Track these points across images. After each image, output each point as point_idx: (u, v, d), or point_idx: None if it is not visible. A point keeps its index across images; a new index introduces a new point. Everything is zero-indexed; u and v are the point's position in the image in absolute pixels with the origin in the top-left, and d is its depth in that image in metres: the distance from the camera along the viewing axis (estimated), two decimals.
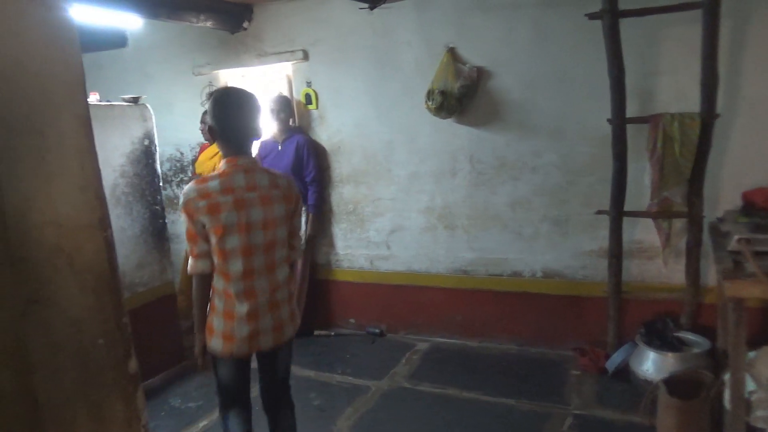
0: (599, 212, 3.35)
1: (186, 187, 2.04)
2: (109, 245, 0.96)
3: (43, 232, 0.84)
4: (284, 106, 4.17)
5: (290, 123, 4.26)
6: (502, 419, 3.06)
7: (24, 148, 0.82)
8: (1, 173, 0.74)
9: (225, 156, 2.09)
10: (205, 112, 3.90)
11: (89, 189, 0.93)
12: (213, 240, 2.00)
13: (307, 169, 4.18)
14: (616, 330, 3.51)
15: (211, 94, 2.28)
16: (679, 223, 3.18)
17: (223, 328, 2.07)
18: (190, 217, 1.99)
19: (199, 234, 2.01)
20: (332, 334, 4.44)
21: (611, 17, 2.97)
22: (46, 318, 0.84)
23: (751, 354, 2.66)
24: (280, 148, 4.20)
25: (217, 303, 2.09)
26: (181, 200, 2.04)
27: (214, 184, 2.01)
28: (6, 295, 0.74)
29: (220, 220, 1.98)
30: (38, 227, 0.84)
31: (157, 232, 3.74)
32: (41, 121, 0.85)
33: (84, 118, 0.92)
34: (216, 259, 2.03)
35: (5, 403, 0.72)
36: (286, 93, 4.38)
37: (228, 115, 2.05)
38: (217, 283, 2.07)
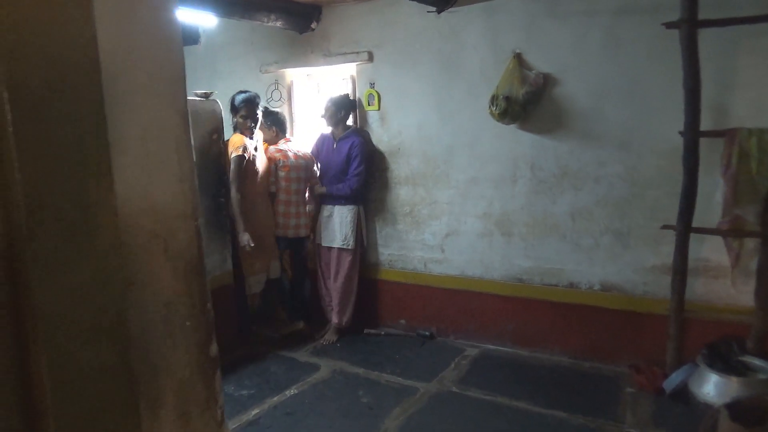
0: (665, 227, 3.25)
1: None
2: (199, 234, 1.02)
3: (142, 219, 0.90)
4: (342, 106, 4.21)
5: (349, 122, 4.31)
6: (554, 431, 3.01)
7: (130, 140, 0.88)
8: (113, 163, 0.80)
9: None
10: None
11: (185, 180, 0.98)
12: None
13: (351, 167, 4.21)
14: (676, 350, 3.40)
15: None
16: (751, 243, 3.05)
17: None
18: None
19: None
20: (382, 333, 4.48)
21: (689, 27, 2.88)
22: (141, 299, 0.90)
23: None
24: (335, 146, 4.26)
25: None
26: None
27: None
28: (110, 276, 0.80)
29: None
30: (139, 214, 0.89)
31: (220, 224, 3.87)
32: (147, 116, 0.91)
33: (183, 114, 0.98)
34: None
35: (109, 374, 0.78)
36: (349, 93, 4.44)
37: None
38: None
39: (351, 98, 4.35)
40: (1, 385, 0.72)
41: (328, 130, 4.34)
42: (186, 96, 0.99)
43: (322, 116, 4.27)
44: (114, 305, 0.81)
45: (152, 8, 0.93)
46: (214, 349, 1.05)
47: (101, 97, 0.78)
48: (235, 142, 3.82)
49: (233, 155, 3.78)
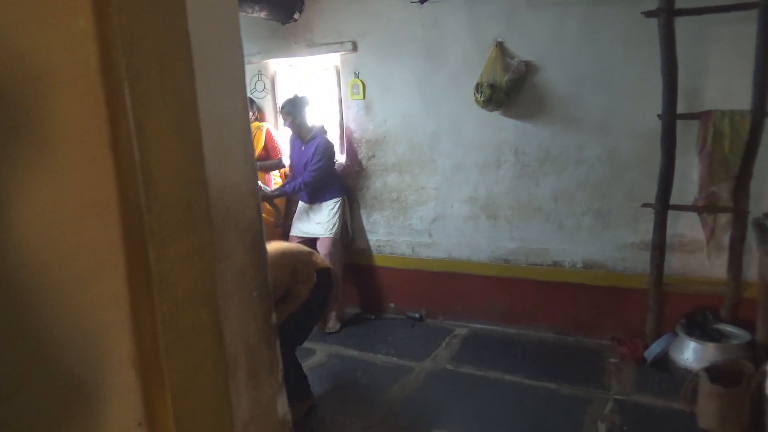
0: (645, 205, 3.44)
1: None
2: (260, 212, 1.11)
3: (220, 197, 0.99)
4: (299, 106, 4.19)
5: (308, 123, 4.26)
6: (545, 401, 3.18)
7: (211, 126, 0.97)
8: (205, 147, 0.89)
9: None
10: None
11: (249, 162, 1.07)
12: None
13: (310, 164, 4.21)
14: (656, 321, 3.61)
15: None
16: (724, 218, 3.25)
17: None
18: None
19: None
20: (372, 317, 4.59)
21: (667, 15, 3.05)
22: (222, 269, 0.99)
23: None
24: (303, 148, 4.30)
25: None
26: None
27: None
28: (204, 247, 0.89)
29: None
30: (218, 192, 0.99)
31: None
32: (221, 104, 1.00)
33: (245, 102, 1.07)
34: None
35: (206, 334, 0.87)
36: (297, 93, 4.39)
37: None
38: None
39: (302, 96, 4.28)
40: (120, 341, 0.81)
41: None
42: (245, 86, 1.08)
43: (286, 125, 4.29)
44: (208, 274, 0.90)
45: (224, 4, 1.02)
46: (273, 318, 1.15)
47: (194, 88, 0.87)
48: None
49: None
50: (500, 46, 3.82)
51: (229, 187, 1.02)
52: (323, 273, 3.02)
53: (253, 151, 1.09)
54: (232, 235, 1.04)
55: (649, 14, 3.13)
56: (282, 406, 1.24)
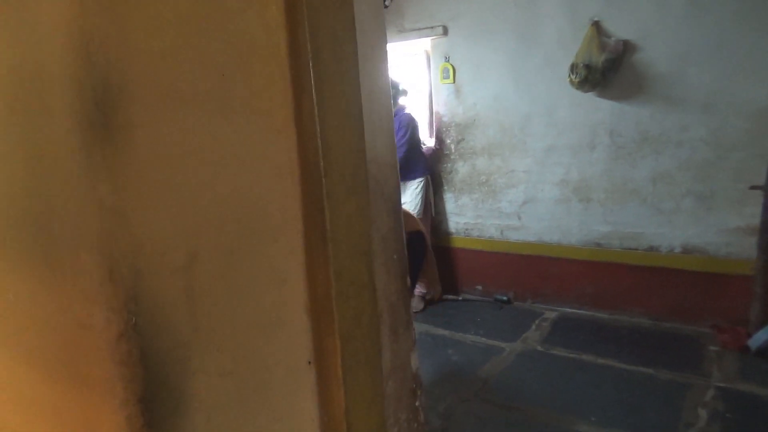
0: (753, 187, 3.30)
1: None
2: (399, 182, 1.21)
3: (371, 167, 1.10)
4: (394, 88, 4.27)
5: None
6: (642, 385, 3.14)
7: (366, 103, 1.07)
8: (365, 133, 0.99)
9: None
10: None
11: (390, 137, 1.18)
12: None
13: (397, 137, 4.30)
14: (762, 309, 3.45)
15: None
16: None
17: None
18: None
19: None
20: (460, 298, 4.67)
21: None
22: (372, 233, 1.11)
23: None
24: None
25: None
26: None
27: None
28: (364, 210, 1.00)
29: None
30: (370, 162, 1.09)
31: None
32: (372, 85, 1.10)
33: (388, 82, 1.17)
34: None
35: (365, 289, 0.98)
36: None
37: None
38: None
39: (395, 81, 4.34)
40: (297, 289, 0.94)
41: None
42: (388, 69, 1.18)
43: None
44: (365, 234, 1.01)
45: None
46: (407, 281, 1.26)
47: (358, 70, 0.97)
48: None
49: None
50: (596, 25, 3.75)
51: (377, 158, 1.13)
52: (415, 236, 3.01)
53: (393, 127, 1.19)
54: (379, 202, 1.14)
55: None
56: (415, 361, 1.35)
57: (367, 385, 1.02)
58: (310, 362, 0.98)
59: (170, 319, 0.78)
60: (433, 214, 4.69)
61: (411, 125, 4.31)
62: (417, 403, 1.32)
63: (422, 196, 4.46)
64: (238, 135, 0.84)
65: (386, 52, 1.15)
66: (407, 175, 4.41)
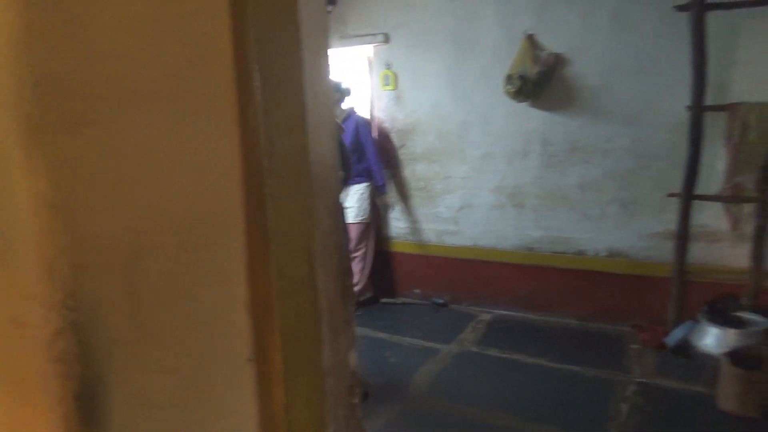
0: (671, 195, 3.53)
1: None
2: (340, 183, 1.24)
3: (314, 168, 1.13)
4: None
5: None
6: (569, 382, 3.30)
7: (310, 107, 1.10)
8: (308, 134, 1.02)
9: None
10: None
11: (332, 139, 1.21)
12: None
13: (367, 145, 4.35)
14: (677, 309, 3.70)
15: None
16: (748, 208, 3.34)
17: None
18: None
19: None
20: (398, 302, 4.74)
21: (699, 10, 3.14)
22: (315, 233, 1.13)
23: None
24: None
25: None
26: None
27: None
28: (307, 210, 1.02)
29: None
30: (312, 164, 1.12)
31: None
32: (315, 89, 1.13)
33: (330, 86, 1.20)
34: None
35: (306, 287, 1.01)
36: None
37: None
38: None
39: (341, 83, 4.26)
40: (238, 291, 0.95)
41: None
42: (330, 73, 1.21)
43: None
44: (308, 234, 1.03)
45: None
46: (349, 279, 1.29)
47: (302, 72, 1.00)
48: None
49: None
50: (530, 38, 3.91)
51: (320, 160, 1.16)
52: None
53: (335, 130, 1.22)
54: (321, 203, 1.17)
55: (680, 8, 3.21)
56: (353, 359, 1.38)
57: (307, 381, 1.05)
58: (250, 359, 1.00)
59: (110, 315, 0.78)
60: (379, 219, 4.73)
61: (358, 128, 4.35)
62: (355, 401, 1.35)
63: (369, 200, 4.45)
64: (184, 135, 0.85)
65: (328, 57, 1.18)
66: (352, 178, 4.42)
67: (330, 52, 1.22)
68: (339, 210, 1.29)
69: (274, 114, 0.94)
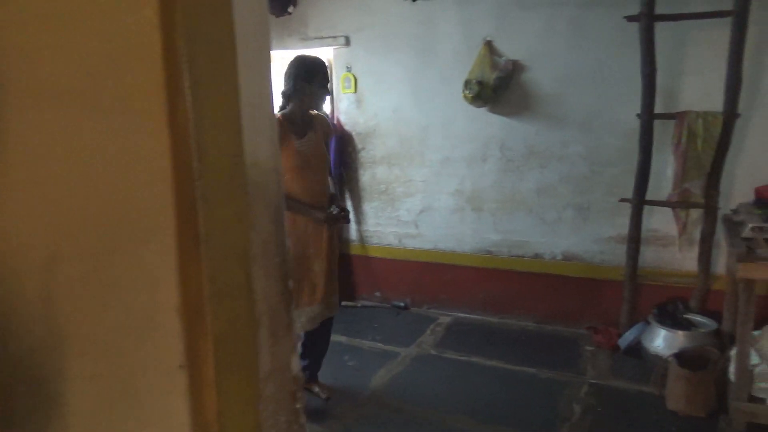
0: (622, 200, 3.62)
1: None
2: (281, 186, 1.23)
3: (252, 171, 1.11)
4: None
5: None
6: (525, 384, 3.35)
7: (246, 109, 1.09)
8: (244, 137, 1.01)
9: None
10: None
11: (274, 142, 1.19)
12: None
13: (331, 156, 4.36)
14: (630, 311, 3.79)
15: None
16: (695, 214, 3.45)
17: None
18: None
19: None
20: (359, 305, 4.73)
21: (648, 20, 3.23)
22: (252, 237, 1.12)
23: (756, 332, 2.94)
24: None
25: None
26: None
27: None
28: (243, 214, 1.01)
29: None
30: (250, 167, 1.11)
31: None
32: (254, 90, 1.12)
33: (271, 88, 1.19)
34: None
35: (241, 292, 0.99)
36: None
37: None
38: None
39: None
40: (168, 292, 0.93)
41: None
42: (272, 75, 1.20)
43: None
44: (243, 238, 1.02)
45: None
46: (290, 284, 1.28)
47: (237, 74, 0.99)
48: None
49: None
50: (489, 44, 3.97)
51: (258, 163, 1.14)
52: None
53: (276, 133, 1.21)
54: (260, 206, 1.16)
55: (631, 19, 3.30)
56: (295, 364, 1.36)
57: (241, 387, 1.03)
58: (182, 366, 0.98)
59: (27, 321, 0.75)
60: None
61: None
62: (297, 405, 1.34)
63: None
64: (109, 135, 0.83)
65: (270, 58, 1.17)
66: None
67: (271, 52, 1.21)
68: (281, 214, 1.27)
69: (205, 115, 0.92)
